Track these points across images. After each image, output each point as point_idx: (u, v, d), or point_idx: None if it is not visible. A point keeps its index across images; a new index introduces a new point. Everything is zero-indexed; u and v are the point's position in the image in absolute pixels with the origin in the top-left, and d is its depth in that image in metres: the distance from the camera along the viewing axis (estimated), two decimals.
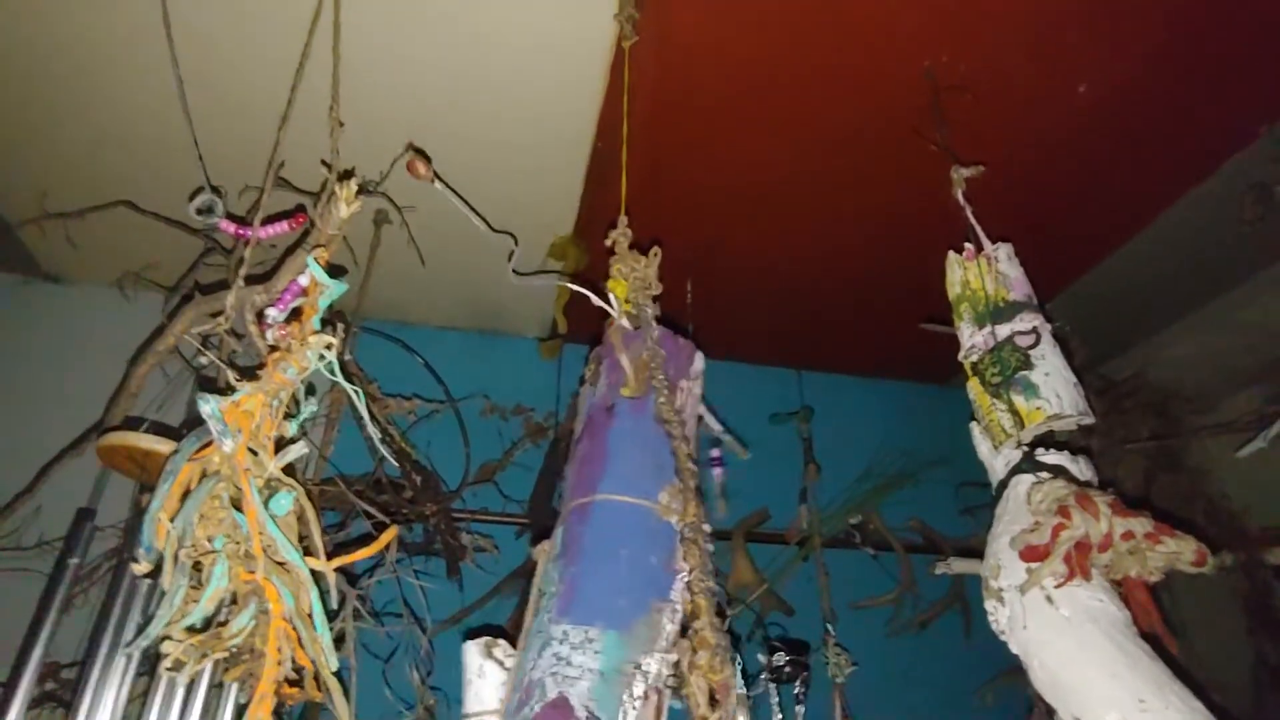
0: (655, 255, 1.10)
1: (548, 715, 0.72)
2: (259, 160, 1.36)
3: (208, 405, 0.78)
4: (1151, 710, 0.81)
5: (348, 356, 1.75)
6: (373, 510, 1.45)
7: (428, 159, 1.41)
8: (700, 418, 1.18)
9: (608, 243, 1.14)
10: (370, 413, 1.70)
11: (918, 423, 2.53)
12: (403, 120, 1.67)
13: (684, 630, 0.78)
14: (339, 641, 1.16)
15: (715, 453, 1.12)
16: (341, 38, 1.26)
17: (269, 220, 1.16)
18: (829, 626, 1.75)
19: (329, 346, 0.89)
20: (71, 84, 1.57)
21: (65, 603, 1.07)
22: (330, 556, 0.87)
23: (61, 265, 2.10)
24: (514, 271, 1.35)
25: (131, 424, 1.07)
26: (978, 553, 1.12)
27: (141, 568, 0.79)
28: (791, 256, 2.07)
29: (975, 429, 1.24)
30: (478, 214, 1.30)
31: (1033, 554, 0.97)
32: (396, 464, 1.73)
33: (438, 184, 1.24)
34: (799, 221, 1.94)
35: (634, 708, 0.70)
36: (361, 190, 1.04)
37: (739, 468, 1.98)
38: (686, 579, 0.79)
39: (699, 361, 1.13)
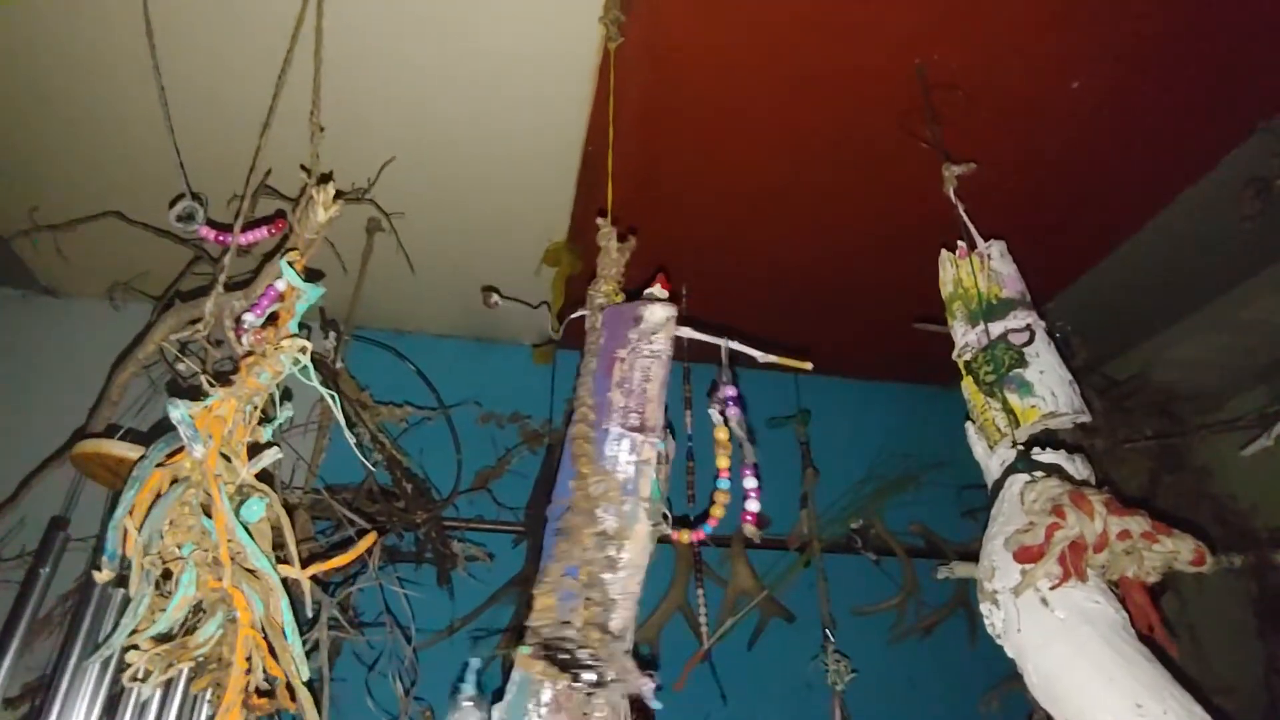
0: (622, 240, 1.07)
1: None
2: (248, 169, 1.37)
3: (177, 410, 0.76)
4: (1149, 715, 0.78)
5: (339, 364, 1.74)
6: (356, 518, 1.43)
7: (494, 289, 1.77)
8: (733, 355, 1.06)
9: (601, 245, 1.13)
10: (357, 419, 1.71)
11: (918, 425, 2.50)
12: (393, 125, 1.66)
13: None
14: (313, 651, 1.15)
15: (730, 391, 0.98)
16: (327, 43, 1.26)
17: (250, 226, 1.16)
18: (828, 633, 1.72)
19: (303, 350, 0.88)
20: (59, 97, 1.57)
21: (36, 614, 1.06)
22: (321, 562, 0.85)
23: (58, 279, 2.11)
24: (552, 330, 1.58)
25: (111, 432, 1.06)
26: None
27: (103, 575, 0.77)
28: (786, 257, 2.06)
29: (970, 429, 1.22)
30: (513, 298, 1.46)
31: (1027, 555, 0.94)
32: (386, 471, 1.71)
33: (499, 301, 1.55)
34: (794, 222, 1.93)
35: (539, 715, 0.69)
36: (340, 195, 1.03)
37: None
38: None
39: (650, 315, 0.97)
